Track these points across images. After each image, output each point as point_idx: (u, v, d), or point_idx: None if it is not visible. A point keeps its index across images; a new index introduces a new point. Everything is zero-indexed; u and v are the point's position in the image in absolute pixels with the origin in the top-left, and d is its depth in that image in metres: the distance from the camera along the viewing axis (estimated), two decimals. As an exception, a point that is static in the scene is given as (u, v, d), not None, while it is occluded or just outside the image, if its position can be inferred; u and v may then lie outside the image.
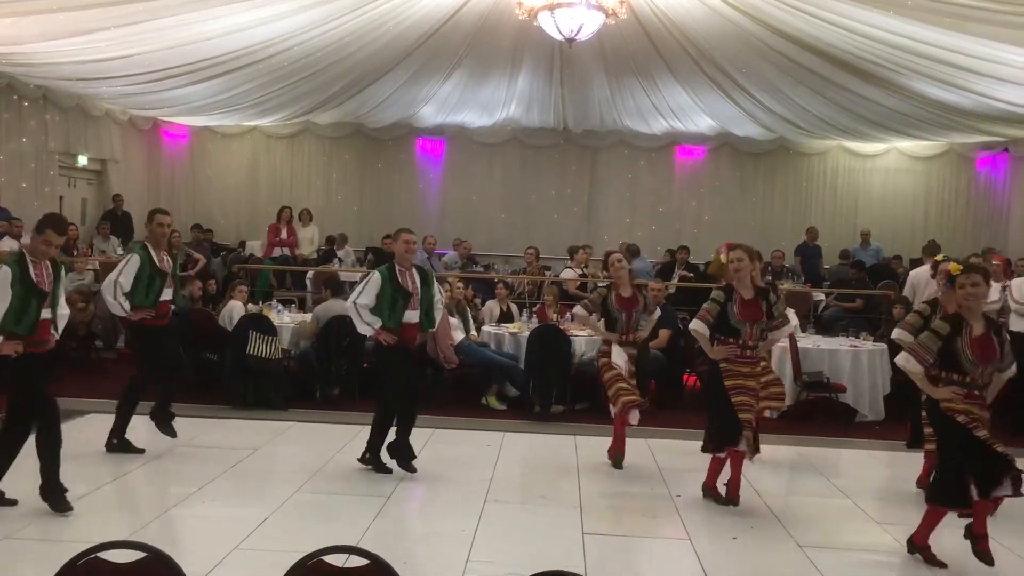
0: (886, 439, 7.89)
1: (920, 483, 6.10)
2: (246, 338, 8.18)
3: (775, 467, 6.87)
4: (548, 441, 7.51)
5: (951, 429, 4.64)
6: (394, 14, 10.33)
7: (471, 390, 8.94)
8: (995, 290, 7.60)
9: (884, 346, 8.57)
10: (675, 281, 12.69)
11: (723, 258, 5.70)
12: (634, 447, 6.92)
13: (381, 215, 15.95)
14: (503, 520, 5.33)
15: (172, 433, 6.41)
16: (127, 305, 6.11)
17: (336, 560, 2.40)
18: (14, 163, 11.82)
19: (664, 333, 8.47)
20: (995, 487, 4.54)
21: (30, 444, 5.09)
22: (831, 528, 5.50)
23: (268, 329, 8.33)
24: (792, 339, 8.27)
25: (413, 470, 6.08)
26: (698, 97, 13.69)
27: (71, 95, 12.58)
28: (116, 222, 13.50)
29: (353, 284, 9.62)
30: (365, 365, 8.84)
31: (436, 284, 6.47)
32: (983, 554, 4.64)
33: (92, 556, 2.36)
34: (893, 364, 8.30)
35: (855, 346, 8.95)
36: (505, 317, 10.13)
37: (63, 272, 5.38)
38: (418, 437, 6.41)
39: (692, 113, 14.73)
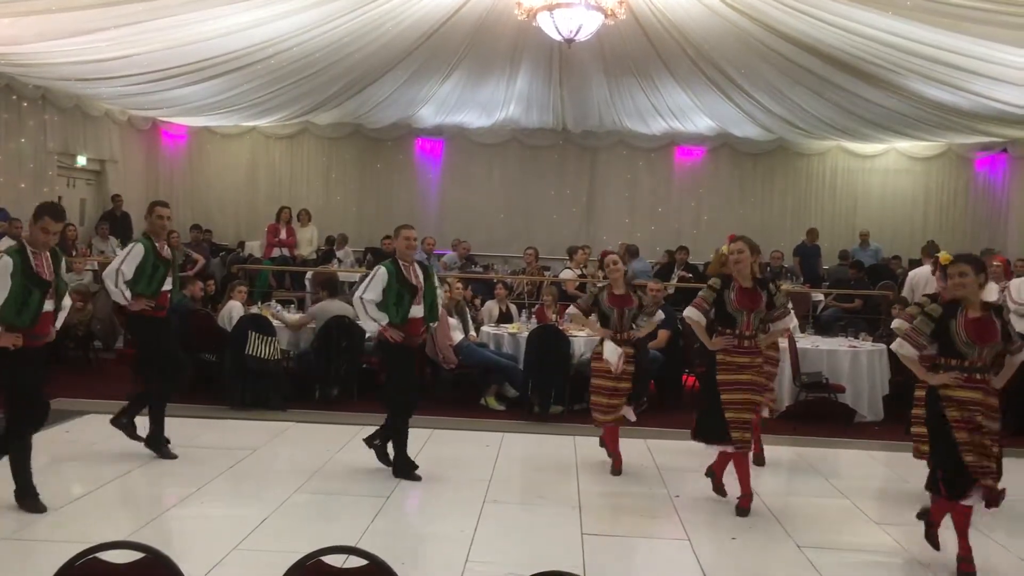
0: (885, 439, 7.90)
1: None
2: (245, 338, 8.18)
3: (774, 467, 6.87)
4: (547, 441, 7.51)
5: (939, 429, 4.59)
6: (393, 14, 10.34)
7: (470, 390, 8.94)
8: (994, 291, 7.59)
9: (883, 346, 8.58)
10: (674, 282, 12.70)
11: (725, 249, 5.70)
12: (633, 447, 6.93)
13: (380, 215, 15.95)
14: (502, 520, 5.33)
15: (172, 455, 6.36)
16: (128, 293, 6.07)
17: (335, 560, 2.40)
18: (13, 163, 11.81)
19: (663, 333, 8.47)
20: (961, 496, 4.52)
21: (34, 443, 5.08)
22: (830, 528, 5.49)
23: (267, 329, 8.33)
24: (791, 339, 8.27)
25: (418, 478, 6.07)
26: (697, 98, 13.70)
27: (70, 95, 12.58)
28: (115, 222, 13.49)
29: (352, 285, 9.62)
30: (364, 366, 8.86)
31: (436, 278, 6.50)
32: (931, 537, 4.76)
33: (90, 556, 2.36)
34: (892, 365, 8.40)
35: (854, 346, 8.95)
36: (504, 317, 10.13)
37: (63, 263, 5.33)
38: (417, 437, 6.41)
39: (691, 114, 14.74)
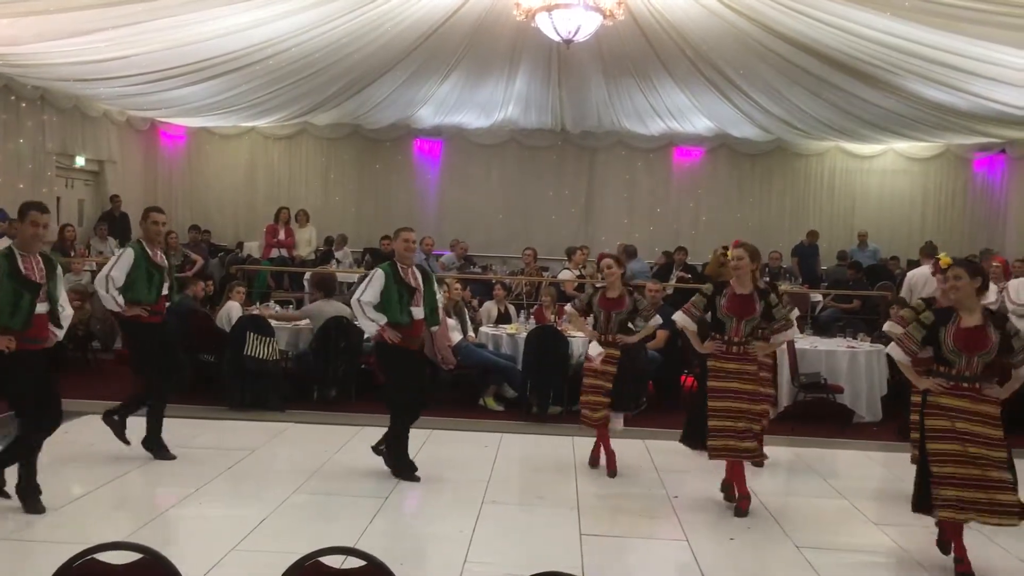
0: (883, 440, 7.91)
1: None
2: (244, 339, 8.18)
3: (772, 468, 6.87)
4: (545, 442, 7.51)
5: (921, 438, 4.67)
6: (392, 15, 10.34)
7: (469, 391, 8.94)
8: (992, 291, 7.60)
9: (881, 347, 8.57)
10: (672, 282, 12.70)
11: (729, 253, 5.71)
12: (632, 448, 6.93)
13: (379, 216, 15.97)
14: (501, 521, 5.33)
15: (170, 456, 6.34)
16: (121, 299, 6.05)
17: (333, 561, 2.40)
18: (11, 164, 11.80)
19: (661, 334, 8.47)
20: (924, 511, 4.63)
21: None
22: (828, 529, 5.50)
23: (266, 330, 8.33)
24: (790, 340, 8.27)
25: (417, 479, 6.07)
26: (695, 98, 13.71)
27: (69, 96, 12.57)
28: (114, 223, 13.49)
29: (351, 285, 9.63)
30: (363, 366, 8.86)
31: (436, 284, 6.49)
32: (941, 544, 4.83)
33: (89, 557, 2.36)
34: (890, 365, 8.40)
35: (852, 347, 8.96)
36: (503, 318, 10.13)
37: (59, 270, 5.30)
38: (415, 438, 6.40)
39: (689, 114, 14.76)
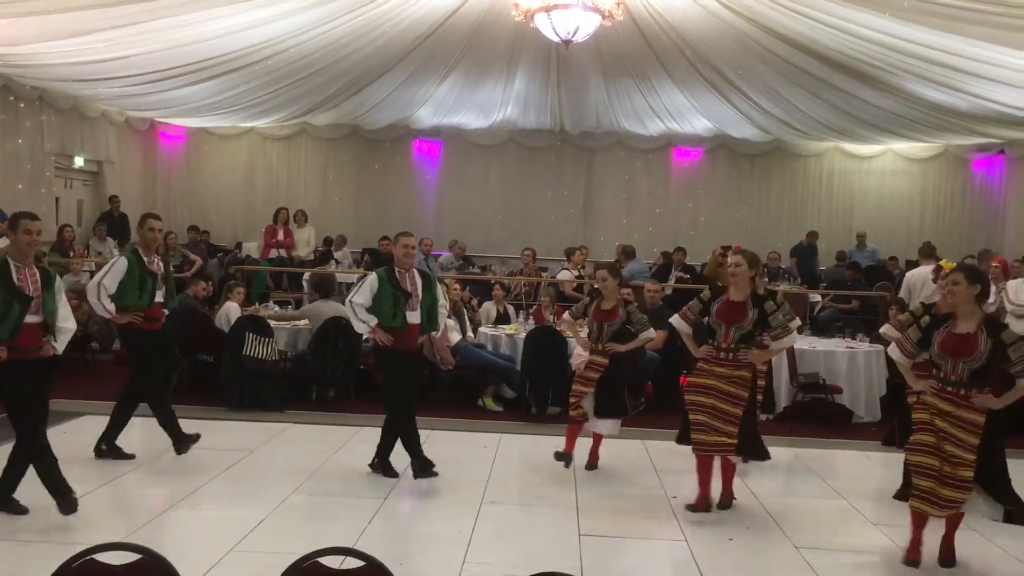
0: (882, 440, 7.90)
1: None
2: (242, 339, 8.18)
3: (771, 468, 6.85)
4: (544, 442, 7.48)
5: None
6: (391, 15, 10.34)
7: (468, 392, 8.94)
8: (991, 292, 7.61)
9: (880, 347, 8.59)
10: (671, 283, 12.71)
11: (729, 259, 5.74)
12: (631, 448, 6.93)
13: (377, 216, 15.96)
14: (500, 521, 5.34)
15: (193, 439, 6.33)
16: (111, 307, 6.08)
17: (332, 562, 2.40)
18: (10, 164, 11.80)
19: (660, 334, 8.46)
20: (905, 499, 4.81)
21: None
22: (827, 529, 5.50)
23: (264, 331, 8.33)
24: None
25: (435, 474, 6.06)
26: (694, 99, 13.71)
27: (67, 96, 12.57)
28: (112, 223, 13.48)
29: (350, 286, 9.64)
30: (361, 367, 8.86)
31: (439, 288, 6.43)
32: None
33: (88, 558, 2.36)
34: (889, 366, 8.40)
35: (851, 347, 8.97)
36: (502, 318, 10.13)
37: (58, 283, 5.26)
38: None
39: (688, 115, 14.76)
